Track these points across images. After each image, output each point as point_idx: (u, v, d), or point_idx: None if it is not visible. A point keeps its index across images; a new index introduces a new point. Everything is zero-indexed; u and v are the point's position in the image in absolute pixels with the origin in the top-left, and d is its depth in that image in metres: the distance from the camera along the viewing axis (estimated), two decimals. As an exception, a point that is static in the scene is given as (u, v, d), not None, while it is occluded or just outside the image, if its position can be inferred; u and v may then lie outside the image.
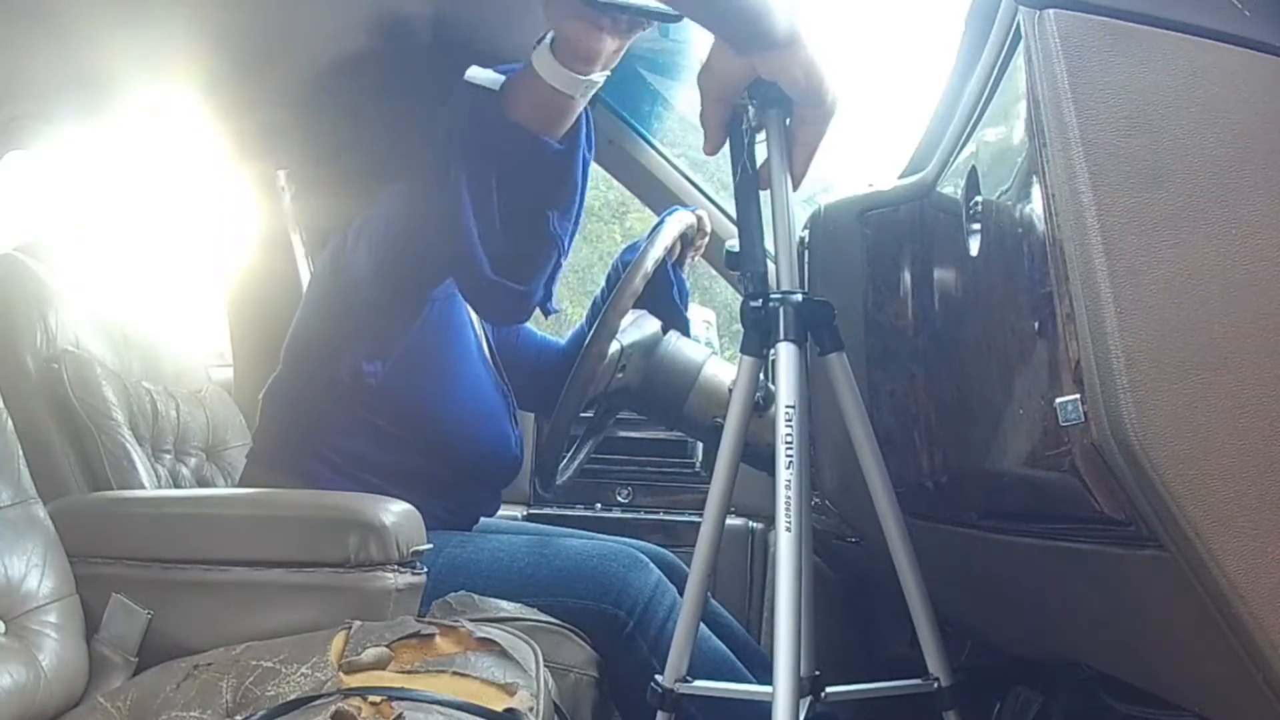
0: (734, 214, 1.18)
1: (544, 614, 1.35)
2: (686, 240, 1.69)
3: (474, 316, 1.60)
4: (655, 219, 1.92)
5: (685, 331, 1.69)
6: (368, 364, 1.43)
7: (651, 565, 1.45)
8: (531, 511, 2.08)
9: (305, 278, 2.02)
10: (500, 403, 1.59)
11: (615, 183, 2.16)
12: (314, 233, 1.93)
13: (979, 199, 0.90)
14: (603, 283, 1.73)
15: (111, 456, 1.45)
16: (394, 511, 1.25)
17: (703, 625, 1.44)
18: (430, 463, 1.49)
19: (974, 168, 0.91)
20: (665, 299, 1.68)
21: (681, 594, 1.20)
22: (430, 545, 1.29)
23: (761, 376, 1.14)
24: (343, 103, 1.51)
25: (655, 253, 1.54)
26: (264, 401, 1.55)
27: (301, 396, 1.49)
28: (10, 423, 1.28)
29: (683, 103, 2.14)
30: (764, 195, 1.12)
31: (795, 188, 1.03)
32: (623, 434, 2.02)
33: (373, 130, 1.53)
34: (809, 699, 1.15)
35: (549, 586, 1.40)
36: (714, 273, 2.09)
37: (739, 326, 1.11)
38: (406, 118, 1.52)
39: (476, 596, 1.34)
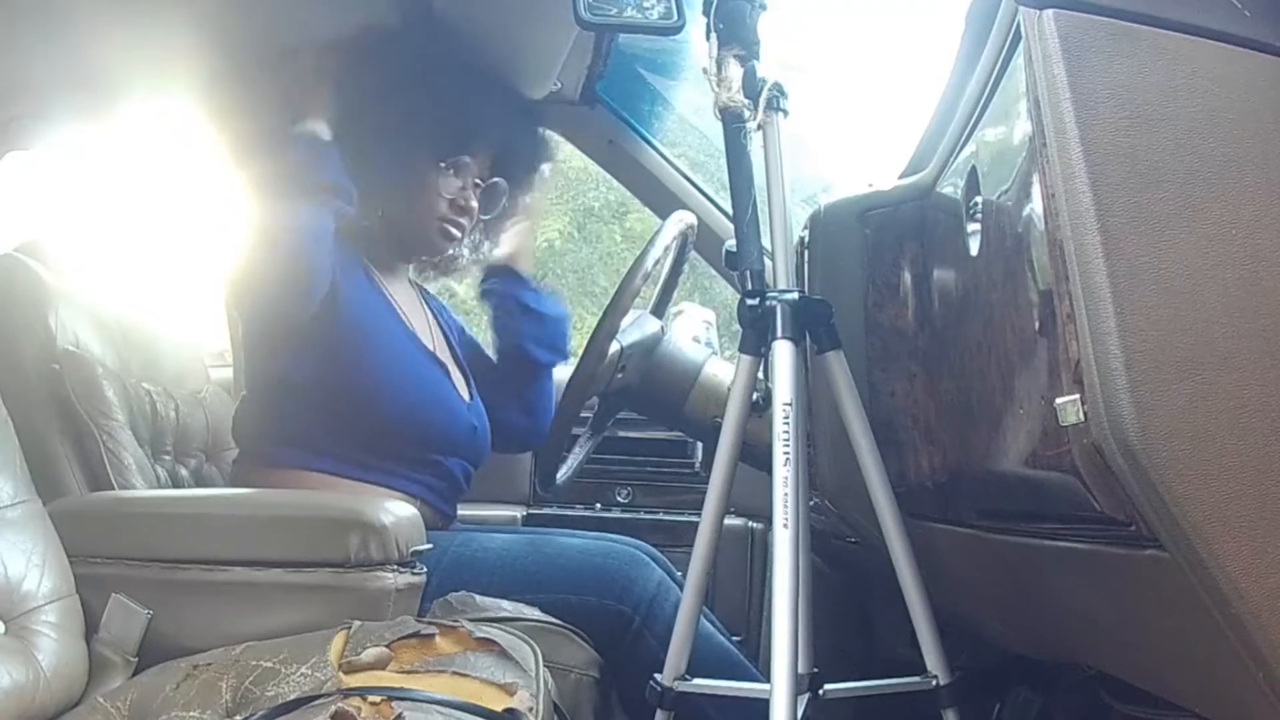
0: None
1: (545, 614, 1.35)
2: (687, 240, 1.69)
3: (400, 309, 1.61)
4: (655, 219, 1.91)
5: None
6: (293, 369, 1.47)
7: (653, 563, 1.45)
8: (531, 511, 2.07)
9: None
10: (438, 373, 1.58)
11: (615, 183, 2.15)
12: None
13: (979, 199, 0.90)
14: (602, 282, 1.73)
15: (112, 457, 1.45)
16: (394, 511, 1.25)
17: (707, 624, 1.44)
18: (385, 438, 1.50)
19: (974, 168, 0.91)
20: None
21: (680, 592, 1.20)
22: (430, 545, 1.29)
23: (761, 375, 1.14)
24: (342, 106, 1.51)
25: (655, 252, 1.54)
26: (234, 427, 1.62)
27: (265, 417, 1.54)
28: (10, 423, 1.28)
29: (683, 103, 2.13)
30: (762, 196, 1.12)
31: None
32: (623, 434, 2.01)
33: (369, 132, 1.53)
34: (807, 696, 1.15)
35: (552, 585, 1.39)
36: (714, 273, 2.09)
37: (739, 326, 1.11)
38: (404, 121, 1.53)
39: (477, 596, 1.34)
